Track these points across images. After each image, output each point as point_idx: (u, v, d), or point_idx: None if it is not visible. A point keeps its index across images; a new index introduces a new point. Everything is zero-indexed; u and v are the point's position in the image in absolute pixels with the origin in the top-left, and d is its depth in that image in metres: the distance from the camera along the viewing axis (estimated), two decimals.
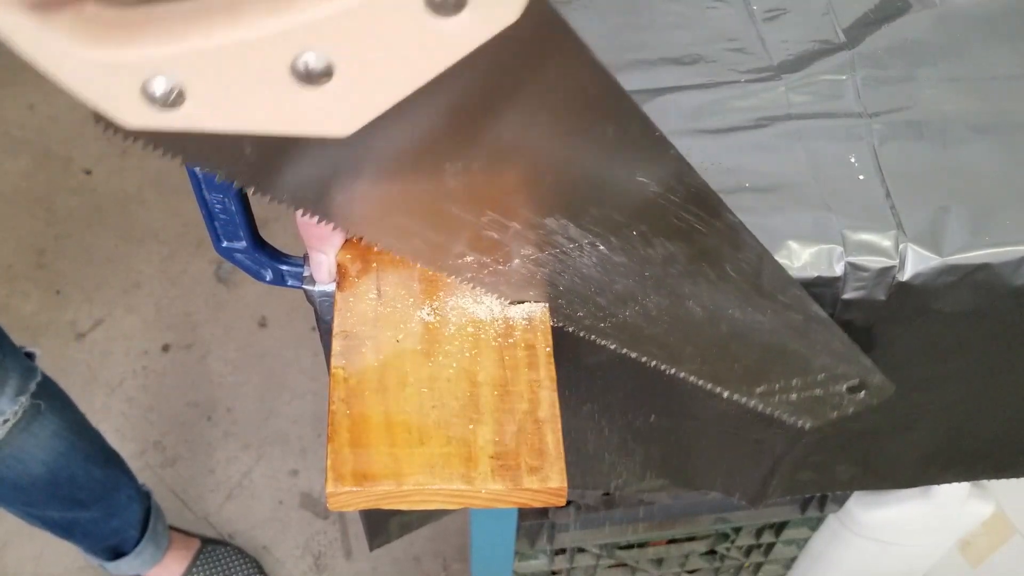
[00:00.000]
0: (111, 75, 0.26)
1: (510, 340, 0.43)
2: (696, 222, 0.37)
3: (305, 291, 0.47)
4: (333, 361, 0.42)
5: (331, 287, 0.45)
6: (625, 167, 0.35)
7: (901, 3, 0.57)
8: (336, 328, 0.43)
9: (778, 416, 0.49)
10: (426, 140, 0.32)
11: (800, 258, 0.45)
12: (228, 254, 0.49)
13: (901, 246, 0.46)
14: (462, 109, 0.31)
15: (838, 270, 0.45)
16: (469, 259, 0.41)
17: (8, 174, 1.67)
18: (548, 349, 0.43)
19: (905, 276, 0.46)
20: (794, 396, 0.48)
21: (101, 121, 0.28)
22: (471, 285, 0.43)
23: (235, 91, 0.27)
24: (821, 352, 0.46)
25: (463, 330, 0.43)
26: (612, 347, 0.45)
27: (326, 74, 0.26)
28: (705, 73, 0.53)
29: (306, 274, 0.46)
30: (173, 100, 0.27)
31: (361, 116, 0.28)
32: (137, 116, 0.27)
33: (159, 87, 0.26)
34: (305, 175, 0.34)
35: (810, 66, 0.54)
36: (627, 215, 0.37)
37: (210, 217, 0.47)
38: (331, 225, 0.38)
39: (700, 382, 0.47)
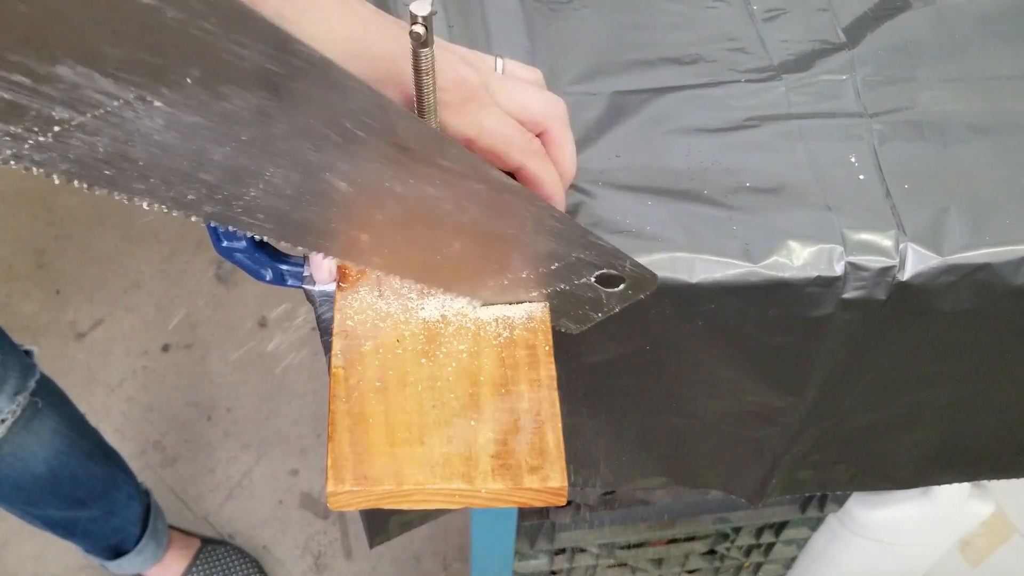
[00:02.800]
0: None
1: (510, 339, 0.43)
2: (264, 60, 0.30)
3: (305, 291, 0.47)
4: (333, 361, 0.42)
5: (331, 287, 0.45)
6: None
7: (901, 2, 0.57)
8: (336, 328, 0.43)
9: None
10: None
11: (800, 258, 0.45)
12: (228, 254, 0.49)
13: (901, 246, 0.46)
14: None
15: (838, 270, 0.45)
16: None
17: (8, 174, 1.67)
18: (548, 348, 0.43)
19: (905, 276, 0.46)
20: (534, 293, 0.43)
21: None
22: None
23: None
24: (535, 232, 0.40)
25: (463, 329, 0.43)
26: (257, 238, 0.37)
27: None
28: (705, 73, 0.53)
29: (306, 274, 0.46)
30: None
31: None
32: None
33: None
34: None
35: (810, 66, 0.54)
36: (158, 54, 0.29)
37: None
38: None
39: (412, 280, 0.42)
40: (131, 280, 1.56)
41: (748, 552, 1.01)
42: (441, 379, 0.42)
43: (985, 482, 0.87)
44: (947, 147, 0.50)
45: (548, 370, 0.42)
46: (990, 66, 0.54)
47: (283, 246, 0.41)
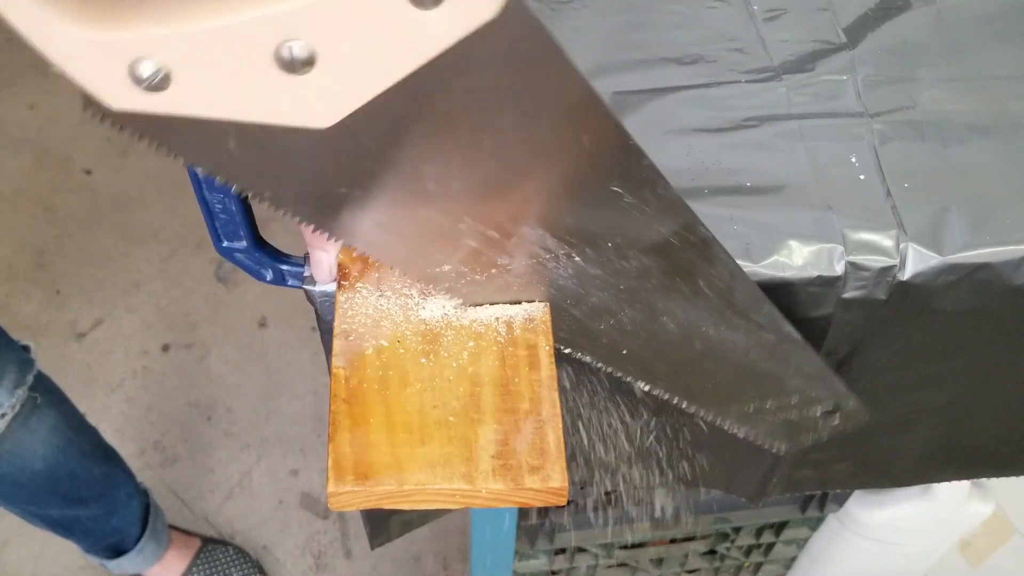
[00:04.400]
0: (100, 55, 0.26)
1: (511, 340, 0.43)
2: (670, 235, 0.37)
3: (305, 291, 0.47)
4: (333, 361, 0.42)
5: (332, 287, 0.45)
6: (599, 177, 0.34)
7: (901, 2, 0.57)
8: (337, 328, 0.43)
9: (752, 439, 0.50)
10: (404, 139, 0.32)
11: (801, 257, 0.45)
12: (228, 254, 0.49)
13: (902, 245, 0.46)
14: (440, 107, 0.31)
15: (839, 269, 0.45)
16: (447, 268, 0.40)
17: (8, 174, 1.67)
18: (549, 349, 0.43)
19: (905, 275, 0.46)
20: (768, 418, 0.48)
21: (90, 106, 0.28)
22: (448, 295, 0.43)
23: (220, 77, 0.27)
24: (794, 374, 0.46)
25: (464, 330, 0.43)
26: (587, 360, 0.45)
27: (309, 63, 0.27)
28: (705, 73, 0.53)
29: (306, 274, 0.46)
30: (158, 83, 0.27)
31: (342, 107, 0.28)
32: (122, 97, 0.27)
33: (146, 69, 0.26)
34: (286, 173, 0.34)
35: (810, 66, 0.54)
36: (601, 226, 0.36)
37: (210, 217, 0.47)
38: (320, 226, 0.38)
39: (675, 400, 0.47)
40: (131, 280, 1.56)
41: (748, 552, 1.01)
42: (442, 379, 0.42)
43: (985, 482, 0.87)
44: (947, 147, 0.50)
45: (548, 370, 0.42)
46: (990, 66, 0.54)
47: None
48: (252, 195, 0.35)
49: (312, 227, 0.38)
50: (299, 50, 0.26)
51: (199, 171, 0.33)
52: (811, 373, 0.46)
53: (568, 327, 0.43)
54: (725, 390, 0.47)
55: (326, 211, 0.37)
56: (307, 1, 0.26)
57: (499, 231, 0.37)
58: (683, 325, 0.42)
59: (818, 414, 0.48)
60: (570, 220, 0.36)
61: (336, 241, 0.39)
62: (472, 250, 0.38)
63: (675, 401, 0.47)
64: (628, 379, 0.46)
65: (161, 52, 0.26)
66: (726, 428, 0.49)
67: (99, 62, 0.26)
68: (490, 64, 0.29)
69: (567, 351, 0.45)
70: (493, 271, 0.39)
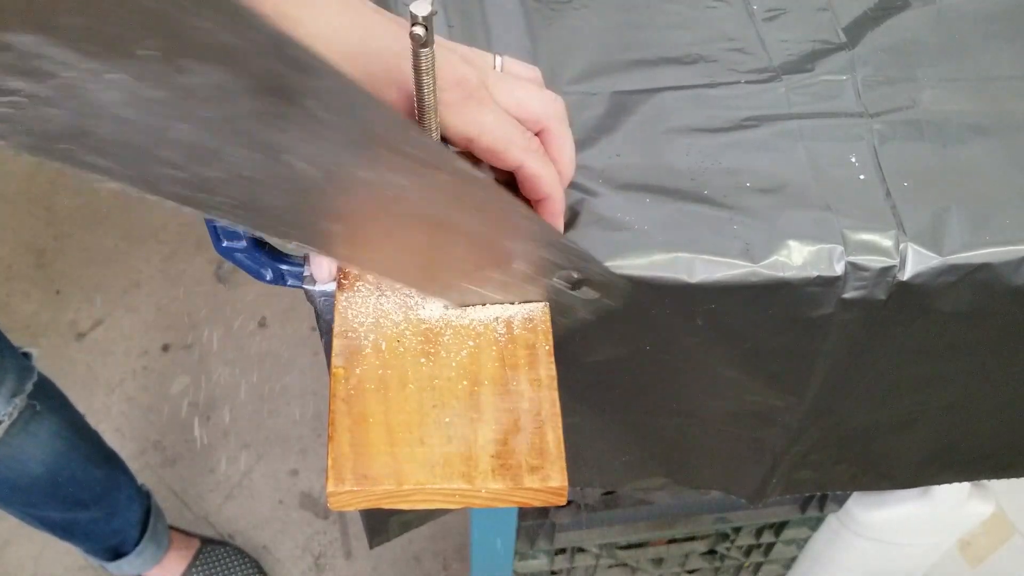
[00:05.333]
0: None
1: (511, 339, 0.43)
2: (229, 35, 0.28)
3: (305, 291, 0.47)
4: (333, 361, 0.42)
5: (331, 287, 0.45)
6: None
7: (901, 2, 0.57)
8: (336, 328, 0.43)
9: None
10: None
11: (800, 257, 0.45)
12: (228, 254, 0.49)
13: (901, 246, 0.46)
14: None
15: (838, 270, 0.45)
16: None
17: (8, 174, 1.67)
18: (548, 348, 0.43)
19: (905, 276, 0.46)
20: (496, 295, 0.42)
21: None
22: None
23: None
24: (502, 229, 0.39)
25: (463, 330, 0.43)
26: (224, 222, 0.35)
27: None
28: (705, 73, 0.53)
29: (306, 274, 0.46)
30: None
31: None
32: None
33: None
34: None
35: (810, 66, 0.54)
36: (118, 25, 0.28)
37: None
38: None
39: (379, 276, 0.42)
40: (131, 280, 1.56)
41: (748, 552, 1.01)
42: (441, 379, 0.42)
43: (985, 482, 0.87)
44: (947, 147, 0.50)
45: (548, 370, 0.42)
46: (990, 66, 0.54)
47: (282, 244, 0.41)
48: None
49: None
50: None
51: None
52: (528, 230, 0.39)
53: (170, 177, 0.32)
54: (427, 257, 0.40)
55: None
56: None
57: None
58: (321, 166, 0.34)
59: (565, 286, 0.42)
60: (67, 19, 0.27)
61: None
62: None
63: (380, 277, 0.41)
64: (326, 255, 0.39)
65: None
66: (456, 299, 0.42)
67: None
68: None
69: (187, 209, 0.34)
70: (11, 99, 0.28)
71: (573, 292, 0.43)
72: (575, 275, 0.42)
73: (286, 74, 0.31)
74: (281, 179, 0.34)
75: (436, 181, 0.36)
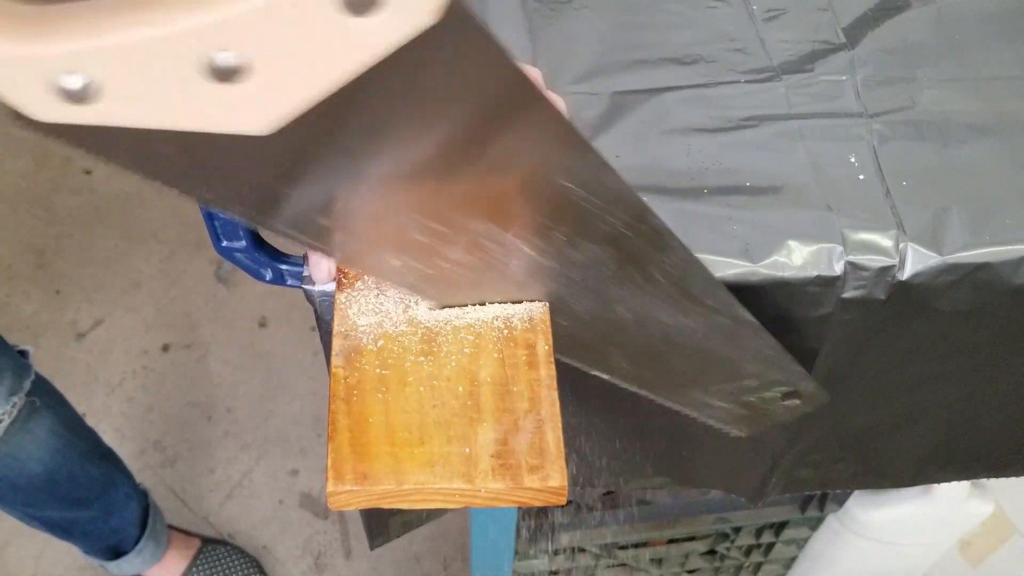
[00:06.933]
0: (23, 70, 0.26)
1: (510, 339, 0.43)
2: (620, 225, 0.37)
3: (305, 291, 0.47)
4: (333, 361, 0.42)
5: (331, 286, 0.45)
6: (545, 169, 0.34)
7: (901, 2, 0.57)
8: (336, 328, 0.43)
9: (712, 424, 0.50)
10: (345, 141, 0.32)
11: (800, 257, 0.45)
12: (228, 254, 0.49)
13: (901, 245, 0.46)
14: (381, 110, 0.30)
15: (838, 269, 0.45)
16: (397, 264, 0.40)
17: (8, 174, 1.67)
18: (548, 348, 0.43)
19: (905, 275, 0.46)
20: (726, 403, 0.49)
21: (19, 120, 0.28)
22: (402, 290, 0.43)
23: (149, 87, 0.27)
24: (752, 358, 0.46)
25: (463, 329, 0.43)
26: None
27: (241, 71, 0.26)
28: (705, 73, 0.53)
29: (306, 274, 0.46)
30: (85, 95, 0.27)
31: (279, 115, 0.28)
32: (51, 110, 0.27)
33: (73, 82, 0.26)
34: (226, 175, 0.33)
35: (810, 66, 0.54)
36: (549, 217, 0.36)
37: (210, 217, 0.47)
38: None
39: (632, 388, 0.48)
40: (131, 280, 1.56)
41: (748, 552, 1.01)
42: (441, 378, 0.42)
43: (985, 481, 0.87)
44: (947, 147, 0.50)
45: (548, 369, 0.42)
46: (990, 66, 0.54)
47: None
48: (196, 198, 0.34)
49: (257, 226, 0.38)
50: (229, 60, 0.26)
51: (138, 175, 0.33)
52: (768, 356, 0.46)
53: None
54: (683, 376, 0.47)
55: (270, 210, 0.36)
56: (235, 12, 0.25)
57: (448, 226, 0.37)
58: (638, 313, 0.42)
59: (777, 396, 0.48)
60: (520, 215, 0.36)
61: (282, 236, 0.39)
62: (421, 244, 0.38)
63: (633, 389, 0.48)
64: (586, 369, 0.47)
65: (88, 65, 0.26)
66: (686, 412, 0.50)
67: (24, 77, 0.26)
68: (432, 68, 0.29)
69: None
70: (445, 266, 0.39)
71: (783, 402, 0.49)
72: (794, 390, 0.48)
73: (648, 251, 0.39)
74: (603, 322, 0.43)
75: (718, 325, 0.44)
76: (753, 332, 0.44)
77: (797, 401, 0.49)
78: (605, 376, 0.47)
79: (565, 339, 0.44)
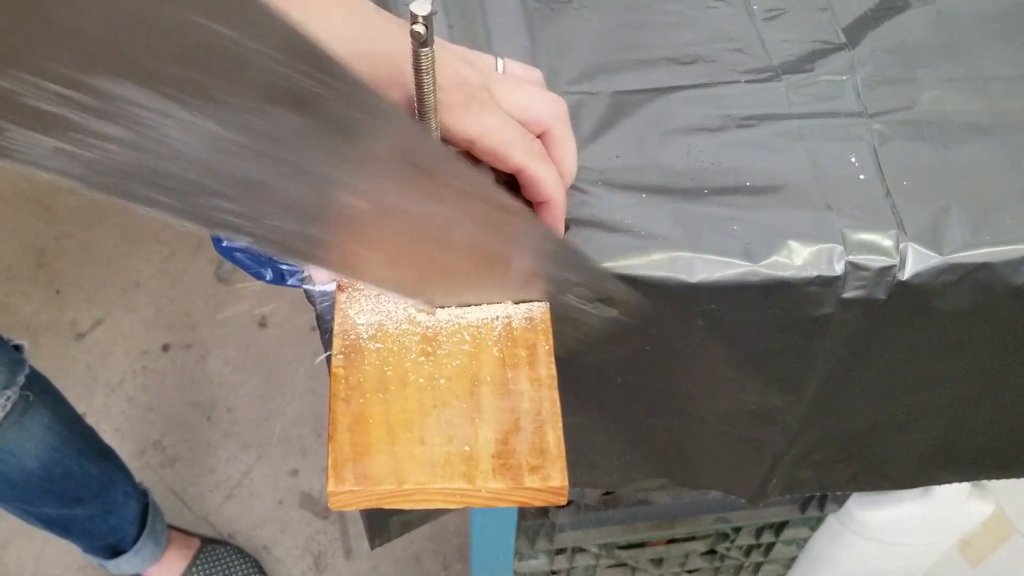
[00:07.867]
0: None
1: (511, 339, 0.43)
2: (311, 85, 0.30)
3: (305, 290, 0.47)
4: (333, 361, 0.42)
5: (331, 286, 0.45)
6: (174, 7, 0.27)
7: (901, 2, 0.57)
8: (336, 327, 0.43)
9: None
10: None
11: (800, 257, 0.45)
12: (228, 254, 0.49)
13: (901, 245, 0.46)
14: None
15: (838, 269, 0.45)
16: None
17: (8, 174, 1.67)
18: (549, 348, 0.43)
19: (905, 275, 0.46)
20: (495, 297, 0.44)
21: None
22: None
23: None
24: (533, 254, 0.41)
25: (464, 329, 0.43)
26: (269, 250, 0.37)
27: None
28: (705, 73, 0.53)
29: (306, 273, 0.46)
30: None
31: None
32: None
33: None
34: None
35: (810, 66, 0.54)
36: (199, 70, 0.29)
37: None
38: None
39: (402, 296, 0.43)
40: (131, 280, 1.56)
41: (748, 552, 1.01)
42: (442, 378, 0.42)
43: (985, 482, 0.87)
44: (947, 147, 0.50)
45: (548, 369, 0.42)
46: (990, 66, 0.54)
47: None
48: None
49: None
50: None
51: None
52: (552, 252, 0.41)
53: (223, 208, 0.33)
54: (453, 278, 0.41)
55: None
56: None
57: (68, 85, 0.28)
58: (371, 200, 0.35)
59: (586, 304, 0.44)
60: (156, 66, 0.28)
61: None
62: (49, 114, 0.29)
63: (405, 297, 0.43)
64: (348, 277, 0.41)
65: None
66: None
67: None
68: None
69: (246, 240, 0.35)
70: (95, 142, 0.30)
71: (589, 308, 0.44)
72: (591, 292, 0.44)
73: (353, 116, 0.32)
74: (329, 211, 0.35)
75: (474, 209, 0.38)
76: (524, 221, 0.39)
77: (613, 310, 0.44)
78: (367, 282, 0.40)
79: (288, 234, 0.35)
